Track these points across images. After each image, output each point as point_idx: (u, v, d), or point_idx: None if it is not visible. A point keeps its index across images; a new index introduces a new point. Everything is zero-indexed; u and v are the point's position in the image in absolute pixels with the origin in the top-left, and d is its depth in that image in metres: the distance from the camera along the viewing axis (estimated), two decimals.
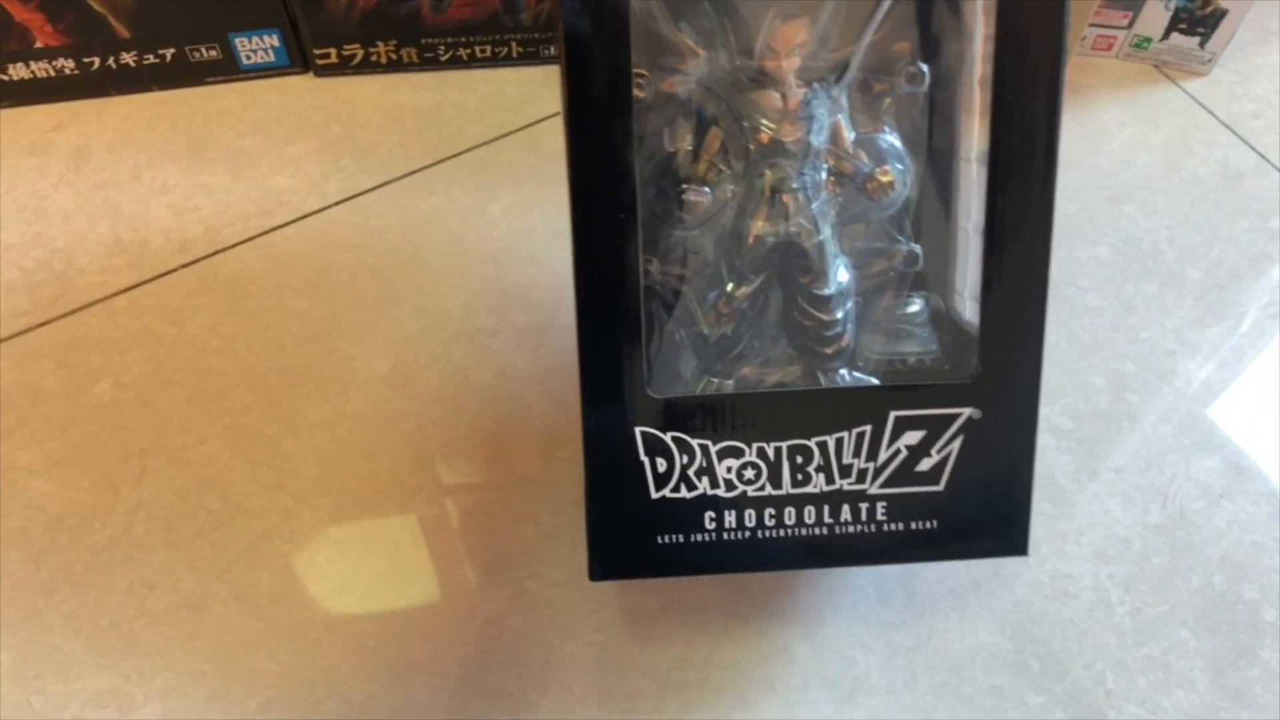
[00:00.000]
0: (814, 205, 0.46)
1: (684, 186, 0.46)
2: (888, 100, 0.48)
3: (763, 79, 0.45)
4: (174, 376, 0.63)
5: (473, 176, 0.72)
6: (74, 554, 0.56)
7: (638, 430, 0.44)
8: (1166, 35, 0.77)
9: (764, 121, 0.45)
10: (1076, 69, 0.79)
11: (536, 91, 0.77)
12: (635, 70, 0.45)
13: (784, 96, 0.45)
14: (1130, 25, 0.77)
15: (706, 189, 0.46)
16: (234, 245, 0.68)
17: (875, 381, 0.50)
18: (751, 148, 0.46)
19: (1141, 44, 0.78)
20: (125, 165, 0.72)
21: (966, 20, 0.46)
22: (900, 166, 0.47)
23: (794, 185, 0.46)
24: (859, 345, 0.50)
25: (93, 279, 0.66)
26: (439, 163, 0.73)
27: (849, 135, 0.47)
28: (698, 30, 0.46)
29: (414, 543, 0.57)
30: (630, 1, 0.40)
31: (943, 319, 0.51)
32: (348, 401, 0.62)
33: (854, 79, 0.47)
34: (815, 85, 0.45)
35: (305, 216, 0.70)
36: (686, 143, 0.47)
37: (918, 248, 0.49)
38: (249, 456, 0.60)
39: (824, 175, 0.47)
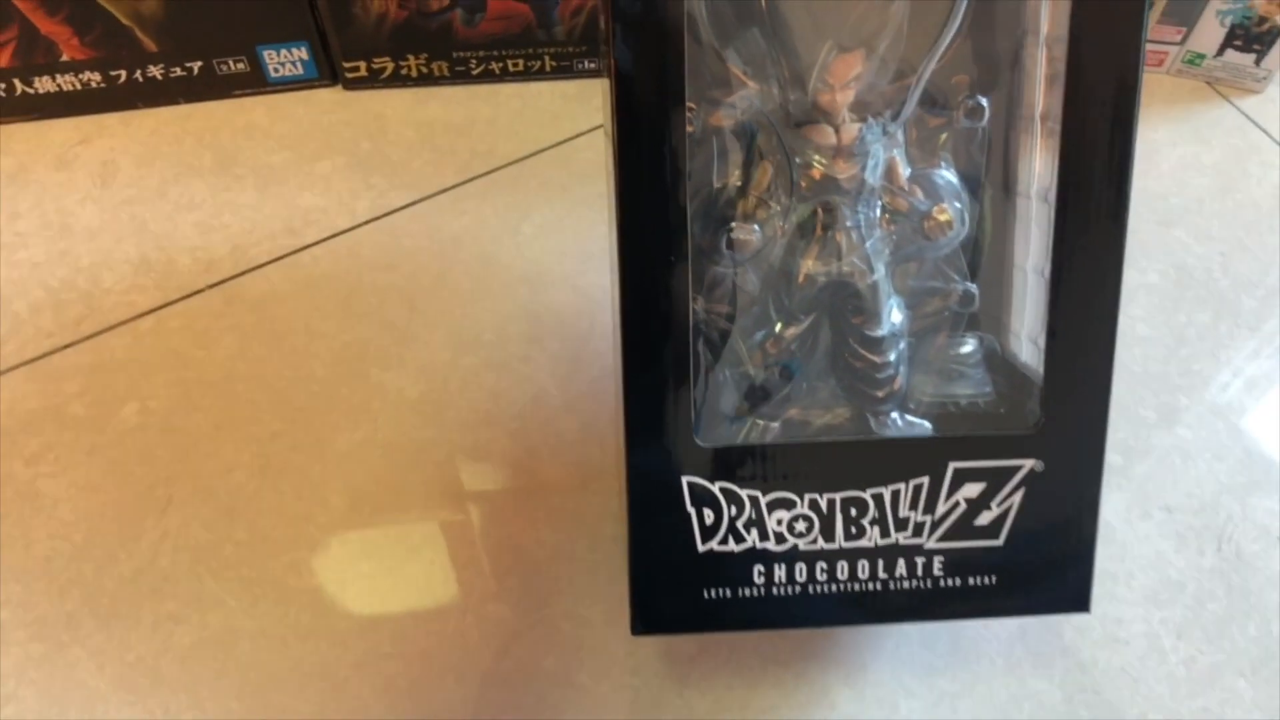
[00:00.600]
0: (868, 244, 0.45)
1: (732, 224, 0.44)
2: (944, 135, 0.46)
3: (815, 113, 0.43)
4: (200, 401, 0.61)
5: (505, 195, 0.71)
6: (99, 586, 0.55)
7: (684, 480, 0.43)
8: (1221, 52, 0.74)
9: (816, 157, 0.44)
10: None
11: (570, 106, 0.75)
12: (685, 104, 0.43)
13: (838, 131, 0.43)
14: (1183, 41, 0.74)
15: (755, 227, 0.44)
16: (261, 265, 0.67)
17: (927, 425, 0.48)
18: (803, 184, 0.44)
19: (1194, 60, 0.75)
20: (152, 181, 0.71)
21: (1028, 52, 0.44)
22: (958, 205, 0.45)
23: (847, 223, 0.44)
24: (910, 387, 0.48)
25: (119, 299, 0.65)
26: (470, 180, 0.71)
27: (904, 171, 0.45)
28: (747, 60, 0.44)
29: (444, 579, 0.56)
30: (684, 42, 0.38)
31: (997, 360, 0.49)
32: (377, 429, 0.60)
33: (911, 113, 0.45)
34: (870, 120, 0.43)
35: (334, 236, 0.68)
36: (735, 177, 0.46)
37: (974, 288, 0.47)
38: (277, 486, 0.58)
39: (878, 212, 0.45)
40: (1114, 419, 0.61)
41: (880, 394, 0.47)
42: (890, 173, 0.45)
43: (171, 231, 0.68)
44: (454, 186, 0.71)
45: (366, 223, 0.69)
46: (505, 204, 0.70)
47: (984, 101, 0.45)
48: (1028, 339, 0.47)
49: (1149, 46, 0.75)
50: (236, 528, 0.57)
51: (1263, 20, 0.71)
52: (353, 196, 0.70)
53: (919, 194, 0.45)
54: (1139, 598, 0.56)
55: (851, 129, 0.43)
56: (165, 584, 0.55)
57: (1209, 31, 0.73)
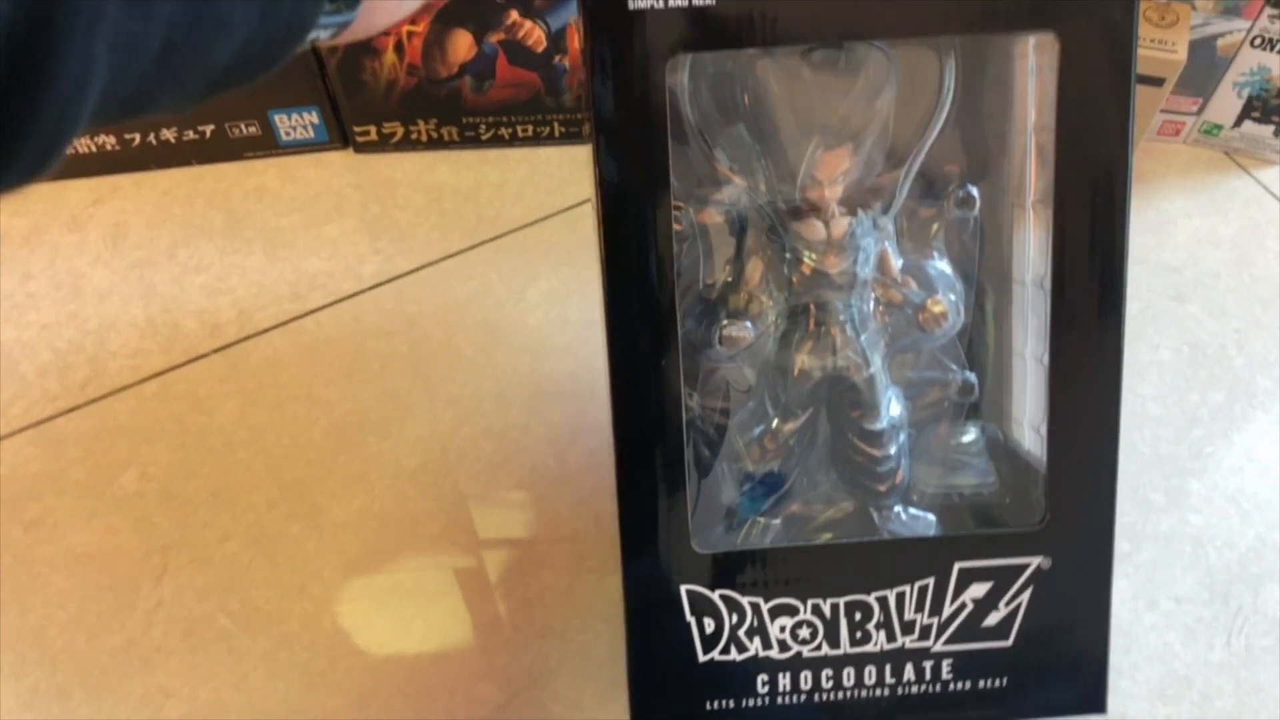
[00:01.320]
0: (862, 337, 0.44)
1: (724, 321, 0.43)
2: (936, 225, 0.46)
3: (805, 207, 0.43)
4: (200, 469, 0.61)
5: (510, 261, 0.71)
6: (91, 656, 0.55)
7: (683, 589, 0.42)
8: (1238, 123, 0.73)
9: (806, 253, 0.43)
10: (1141, 155, 0.76)
11: (578, 172, 0.75)
12: (674, 203, 0.43)
13: (828, 225, 0.43)
14: (1200, 111, 0.73)
15: (748, 323, 0.44)
16: (266, 330, 0.67)
17: (931, 518, 0.47)
18: (794, 279, 0.44)
19: (1211, 130, 0.74)
20: (162, 243, 0.71)
21: (1017, 140, 0.43)
22: (953, 297, 0.44)
23: (840, 317, 0.44)
24: (913, 478, 0.47)
25: (124, 362, 0.66)
26: (477, 246, 0.72)
27: (897, 262, 0.45)
28: (734, 157, 0.43)
29: (435, 657, 0.55)
30: (668, 146, 0.38)
31: (1000, 448, 0.48)
32: (374, 500, 0.60)
33: (901, 205, 0.44)
34: (860, 213, 0.43)
35: (340, 300, 0.69)
36: (726, 273, 0.45)
37: (973, 377, 0.46)
38: (271, 556, 0.58)
39: (871, 304, 0.44)
40: (1122, 502, 0.60)
41: (882, 488, 0.46)
42: (883, 265, 0.44)
43: (179, 294, 0.69)
44: (460, 251, 0.71)
45: (372, 287, 0.69)
46: (511, 269, 0.70)
47: (974, 191, 0.44)
48: (1030, 427, 0.46)
49: (1165, 117, 0.74)
50: (230, 599, 0.57)
51: None
52: (359, 260, 0.70)
53: (913, 285, 0.45)
54: (1144, 692, 0.54)
55: (841, 223, 0.43)
56: (156, 655, 0.55)
57: (1226, 102, 0.72)
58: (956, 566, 0.43)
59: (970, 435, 0.49)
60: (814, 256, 0.43)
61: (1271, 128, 0.72)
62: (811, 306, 0.44)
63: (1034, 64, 0.40)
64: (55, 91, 0.21)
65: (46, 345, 0.66)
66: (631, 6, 0.36)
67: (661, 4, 0.36)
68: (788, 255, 0.43)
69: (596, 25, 0.36)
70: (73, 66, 0.21)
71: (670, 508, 0.41)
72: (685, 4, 0.36)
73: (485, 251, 0.71)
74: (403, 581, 0.57)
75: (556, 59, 0.70)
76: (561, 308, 0.69)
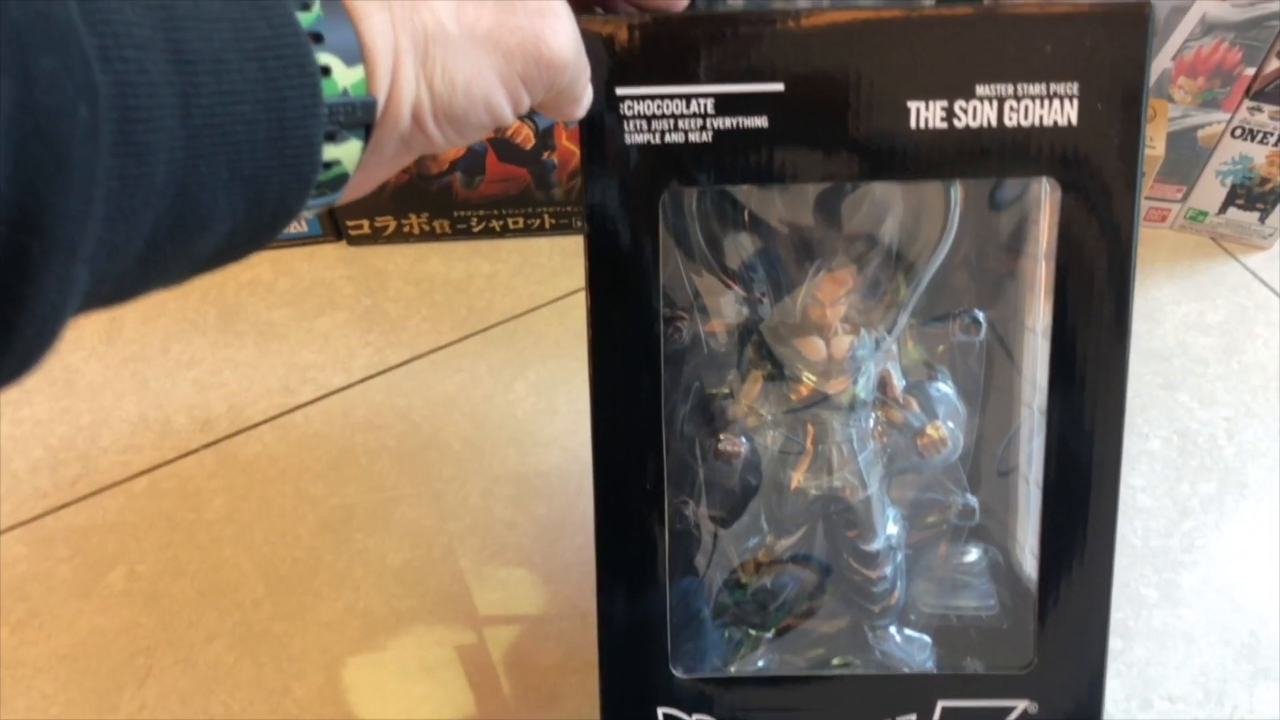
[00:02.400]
0: (860, 458, 0.44)
1: (720, 435, 0.43)
2: (942, 346, 0.46)
3: (806, 325, 0.43)
4: (187, 566, 0.62)
5: (500, 352, 0.71)
6: None
7: (660, 712, 0.42)
8: (1223, 209, 0.73)
9: (805, 373, 0.43)
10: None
11: (569, 262, 0.76)
12: (676, 313, 0.43)
13: (829, 344, 0.42)
14: (1184, 199, 0.74)
15: (743, 439, 0.44)
16: (256, 425, 0.68)
17: (926, 639, 0.46)
18: (792, 397, 0.44)
19: (1197, 217, 0.74)
20: (155, 338, 0.72)
21: (1028, 266, 0.43)
22: (951, 424, 0.44)
23: (838, 438, 0.43)
24: (911, 596, 0.47)
25: (115, 458, 0.66)
26: (467, 337, 0.72)
27: (899, 384, 0.44)
28: (735, 268, 0.44)
29: None
30: (660, 279, 0.38)
31: (1001, 571, 0.47)
32: (359, 598, 0.60)
33: (906, 324, 0.44)
34: (863, 332, 0.43)
35: (329, 394, 0.69)
36: (725, 386, 0.45)
37: (974, 501, 0.46)
38: (256, 656, 0.58)
39: (871, 423, 0.44)
40: (1114, 598, 0.60)
41: (876, 608, 0.46)
42: (885, 385, 0.44)
43: (171, 389, 0.70)
44: (450, 344, 0.72)
45: (361, 381, 0.70)
46: (500, 361, 0.71)
47: (981, 317, 0.44)
48: (1031, 553, 0.45)
49: (1151, 204, 0.74)
50: (213, 702, 0.57)
51: (1264, 180, 0.70)
52: (350, 354, 0.71)
53: (914, 406, 0.44)
54: None
55: (843, 342, 0.42)
56: None
57: (1210, 190, 0.72)
58: (940, 705, 0.42)
59: (972, 555, 0.48)
60: (813, 377, 0.43)
61: (1257, 214, 0.72)
62: (809, 425, 0.43)
63: (1047, 190, 0.40)
64: (31, 314, 0.21)
65: (39, 441, 0.67)
66: (628, 141, 0.36)
67: (658, 139, 0.36)
68: (787, 373, 0.43)
69: (594, 157, 0.37)
70: (49, 290, 0.22)
71: (650, 627, 0.41)
72: (681, 140, 0.36)
73: (475, 343, 0.72)
74: (384, 684, 0.57)
75: (545, 155, 0.71)
76: (550, 399, 0.69)
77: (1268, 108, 0.66)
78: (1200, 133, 0.69)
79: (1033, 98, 0.35)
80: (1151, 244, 0.76)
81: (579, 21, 0.36)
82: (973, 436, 0.45)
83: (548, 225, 0.76)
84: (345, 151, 0.28)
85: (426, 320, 0.73)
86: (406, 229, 0.75)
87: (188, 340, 0.72)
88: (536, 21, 0.31)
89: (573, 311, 0.74)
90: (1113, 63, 0.35)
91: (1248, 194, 0.72)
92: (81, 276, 0.23)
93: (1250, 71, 0.65)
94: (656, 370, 0.39)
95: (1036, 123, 0.35)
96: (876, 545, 0.44)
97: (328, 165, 0.28)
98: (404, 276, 0.76)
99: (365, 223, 0.75)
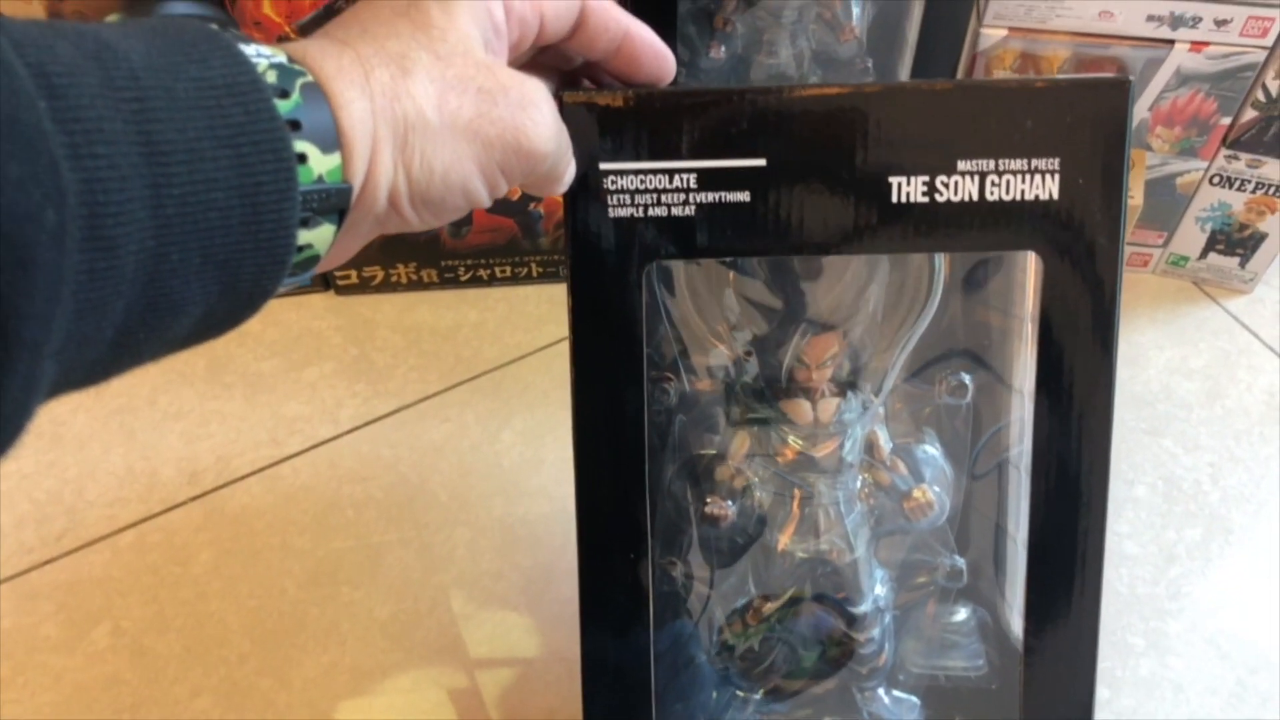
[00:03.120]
0: (847, 520, 0.44)
1: (707, 499, 0.44)
2: (928, 408, 0.46)
3: (793, 387, 0.43)
4: (173, 621, 0.61)
5: (487, 401, 0.72)
6: None
7: None
8: (1204, 255, 0.74)
9: (791, 436, 0.43)
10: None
11: (556, 311, 0.77)
12: (663, 373, 0.43)
13: (815, 407, 0.43)
14: (1165, 244, 0.74)
15: (729, 502, 0.44)
16: (243, 477, 0.68)
17: (915, 700, 0.46)
18: (779, 459, 0.44)
19: (1178, 262, 0.75)
20: (143, 389, 0.72)
21: (1014, 326, 0.43)
22: (938, 489, 0.44)
23: (824, 500, 0.44)
24: (900, 655, 0.47)
25: (101, 512, 0.66)
26: (454, 387, 0.72)
27: (886, 446, 0.45)
28: (722, 334, 0.44)
29: None
30: (644, 348, 0.38)
31: (990, 630, 0.47)
32: (345, 653, 0.60)
33: (893, 386, 0.45)
34: (850, 394, 0.43)
35: (316, 446, 0.69)
36: (712, 446, 0.45)
37: (962, 563, 0.46)
38: (242, 712, 0.58)
39: (858, 485, 0.44)
40: (1100, 646, 0.60)
41: (864, 670, 0.46)
42: (872, 447, 0.44)
43: (158, 441, 0.69)
44: (438, 393, 0.72)
45: (349, 432, 0.70)
46: (487, 410, 0.71)
47: (967, 379, 0.44)
48: (1019, 613, 0.45)
49: (1133, 249, 0.75)
50: None
51: (1243, 226, 0.71)
52: (337, 404, 0.71)
53: (901, 468, 0.44)
54: None
55: (830, 404, 0.42)
56: None
57: (1190, 236, 0.73)
58: None
59: (960, 615, 0.48)
60: (799, 440, 0.43)
61: (1237, 259, 0.73)
62: (796, 488, 0.44)
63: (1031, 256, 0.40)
64: None
65: (25, 495, 0.67)
66: (611, 215, 0.37)
67: (641, 213, 0.37)
68: (773, 434, 0.44)
69: (577, 232, 0.37)
70: (14, 389, 0.22)
71: (633, 693, 0.41)
72: (664, 214, 0.37)
73: (462, 392, 0.72)
74: None
75: (531, 205, 0.71)
76: (536, 448, 0.69)
77: (1244, 156, 0.67)
78: (1179, 180, 0.70)
79: (1014, 173, 0.35)
80: (1134, 289, 0.77)
81: (565, 95, 0.37)
82: (960, 497, 0.46)
83: (535, 274, 0.76)
84: (317, 235, 0.29)
85: (414, 369, 0.73)
86: (394, 278, 0.76)
87: (175, 391, 0.72)
88: (518, 114, 0.31)
89: (559, 359, 0.74)
90: (1093, 137, 0.35)
91: (1227, 239, 0.72)
92: (49, 370, 0.23)
93: (1226, 121, 0.66)
94: (640, 441, 0.39)
95: (1018, 197, 0.36)
96: (864, 607, 0.44)
97: (300, 248, 0.28)
98: (392, 326, 0.76)
99: (353, 273, 0.75)
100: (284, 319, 0.76)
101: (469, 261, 0.75)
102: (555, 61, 0.37)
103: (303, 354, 0.74)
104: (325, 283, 0.77)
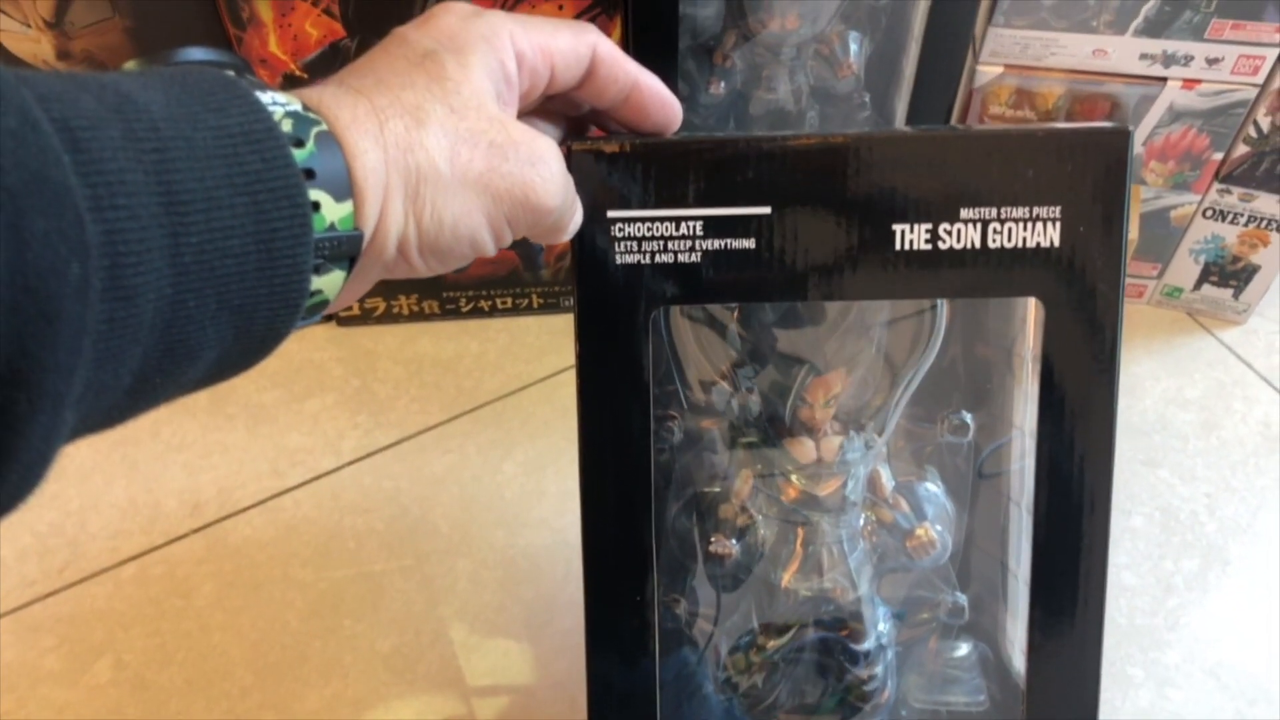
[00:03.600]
0: (851, 559, 0.44)
1: (712, 538, 0.44)
2: (930, 446, 0.46)
3: (796, 426, 0.44)
4: (175, 654, 0.61)
5: (488, 432, 0.72)
6: None
7: None
8: (1198, 286, 0.75)
9: (794, 475, 0.43)
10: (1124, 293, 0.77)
11: (556, 340, 0.77)
12: (667, 411, 0.44)
13: (818, 445, 0.43)
14: (1160, 276, 0.75)
15: (733, 541, 0.44)
16: (245, 509, 0.68)
17: None
18: (782, 498, 0.44)
19: (1173, 293, 0.76)
20: (146, 421, 0.72)
21: (1016, 365, 0.44)
22: (940, 528, 0.44)
23: (828, 539, 0.44)
24: (901, 691, 0.47)
25: (103, 544, 0.66)
26: (456, 418, 0.73)
27: (889, 484, 0.45)
28: (727, 372, 0.44)
29: None
30: (650, 390, 0.39)
31: (991, 664, 0.48)
32: (347, 686, 0.60)
33: (895, 425, 0.45)
34: (853, 433, 0.43)
35: (319, 477, 0.69)
36: (716, 484, 0.46)
37: (964, 599, 0.46)
38: None
39: (860, 522, 0.45)
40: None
41: (867, 707, 0.46)
42: (874, 485, 0.45)
43: (160, 473, 0.70)
44: (439, 424, 0.72)
45: (351, 463, 0.70)
46: (488, 441, 0.71)
47: (968, 418, 0.44)
48: (1019, 651, 0.45)
49: (1129, 280, 0.76)
50: None
51: (1236, 259, 0.72)
52: (339, 436, 0.72)
53: (904, 506, 0.45)
54: None
55: (833, 443, 0.43)
56: None
57: (1184, 267, 0.74)
58: None
59: (962, 650, 0.48)
60: (802, 480, 0.43)
61: (1230, 291, 0.74)
62: (799, 527, 0.44)
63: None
64: (17, 461, 0.22)
65: (27, 528, 0.67)
66: (618, 261, 0.37)
67: (648, 259, 0.37)
68: (776, 472, 0.44)
69: (585, 277, 0.38)
70: (36, 440, 0.22)
71: None
72: (671, 260, 0.37)
73: (463, 423, 0.73)
74: None
75: None
76: (538, 480, 0.69)
77: (1236, 190, 0.68)
78: (1173, 213, 0.71)
79: (1016, 220, 0.36)
80: (1130, 319, 0.77)
81: (573, 143, 0.37)
82: (961, 534, 0.46)
83: (535, 305, 0.77)
84: (327, 281, 0.29)
85: (415, 401, 0.74)
86: (396, 310, 0.76)
87: (178, 423, 0.72)
88: (527, 170, 0.32)
89: (560, 390, 0.74)
90: (1094, 186, 0.36)
91: (1220, 271, 0.73)
92: (69, 419, 0.23)
93: (1218, 156, 0.67)
94: (647, 481, 0.40)
95: (1020, 244, 0.36)
96: (867, 644, 0.44)
97: (311, 293, 0.29)
98: (393, 357, 0.76)
99: (355, 304, 0.75)
100: (286, 350, 0.76)
101: (470, 293, 0.75)
102: (563, 108, 0.38)
103: (305, 385, 0.75)
104: (327, 315, 0.77)
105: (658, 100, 0.36)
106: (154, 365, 0.25)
